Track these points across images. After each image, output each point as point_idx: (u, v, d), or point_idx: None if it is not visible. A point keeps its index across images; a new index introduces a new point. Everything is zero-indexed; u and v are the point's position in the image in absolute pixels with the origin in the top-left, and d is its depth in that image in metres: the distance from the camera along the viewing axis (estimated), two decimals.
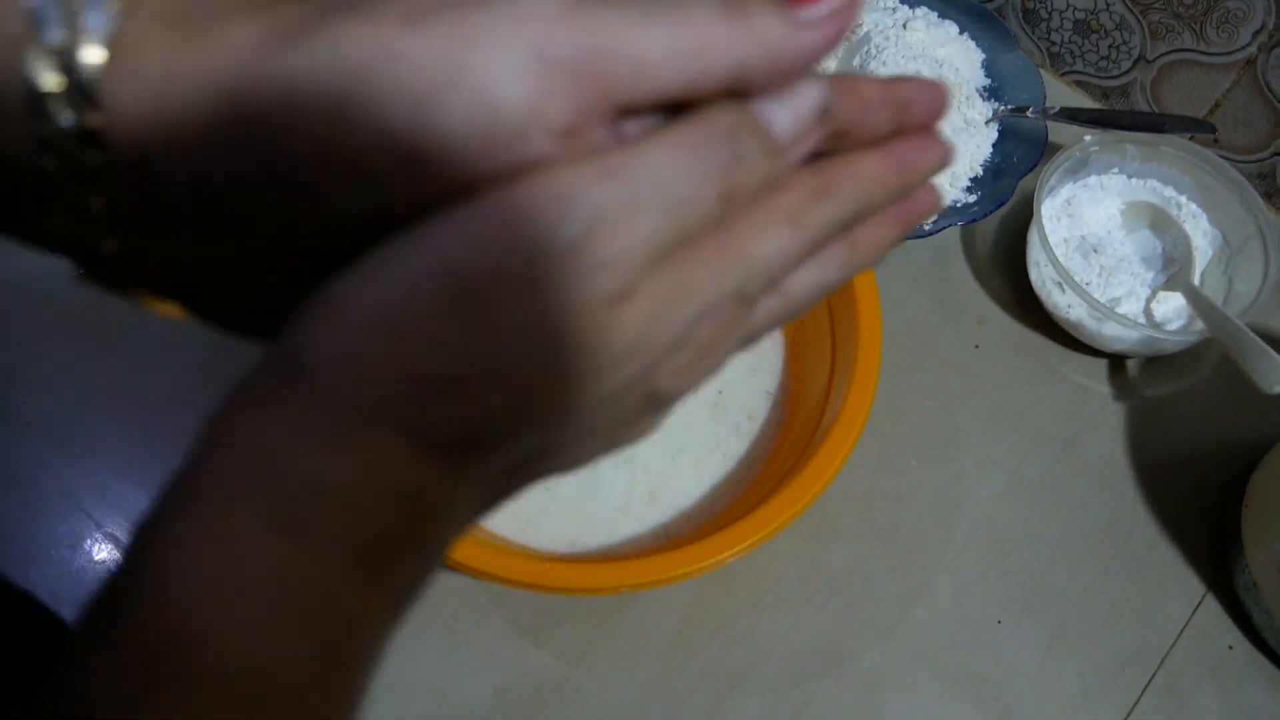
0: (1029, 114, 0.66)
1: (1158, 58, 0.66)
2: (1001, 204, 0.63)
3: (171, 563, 0.18)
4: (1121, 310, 0.61)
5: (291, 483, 0.18)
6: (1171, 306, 0.62)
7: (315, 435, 0.19)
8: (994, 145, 0.67)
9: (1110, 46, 0.68)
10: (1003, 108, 0.67)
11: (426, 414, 0.19)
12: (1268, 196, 0.68)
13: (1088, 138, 0.62)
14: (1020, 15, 0.71)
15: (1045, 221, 0.63)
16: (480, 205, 0.19)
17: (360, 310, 0.19)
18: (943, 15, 0.70)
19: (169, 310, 0.22)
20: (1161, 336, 0.58)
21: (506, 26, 0.18)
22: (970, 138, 0.66)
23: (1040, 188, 0.60)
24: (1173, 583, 0.57)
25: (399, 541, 0.20)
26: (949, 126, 0.64)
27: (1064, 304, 0.60)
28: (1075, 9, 0.68)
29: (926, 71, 0.63)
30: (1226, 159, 0.67)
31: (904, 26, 0.67)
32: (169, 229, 0.20)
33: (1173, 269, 0.63)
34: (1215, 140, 0.67)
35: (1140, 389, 0.62)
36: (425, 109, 0.18)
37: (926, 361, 0.63)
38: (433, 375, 0.19)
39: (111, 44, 0.19)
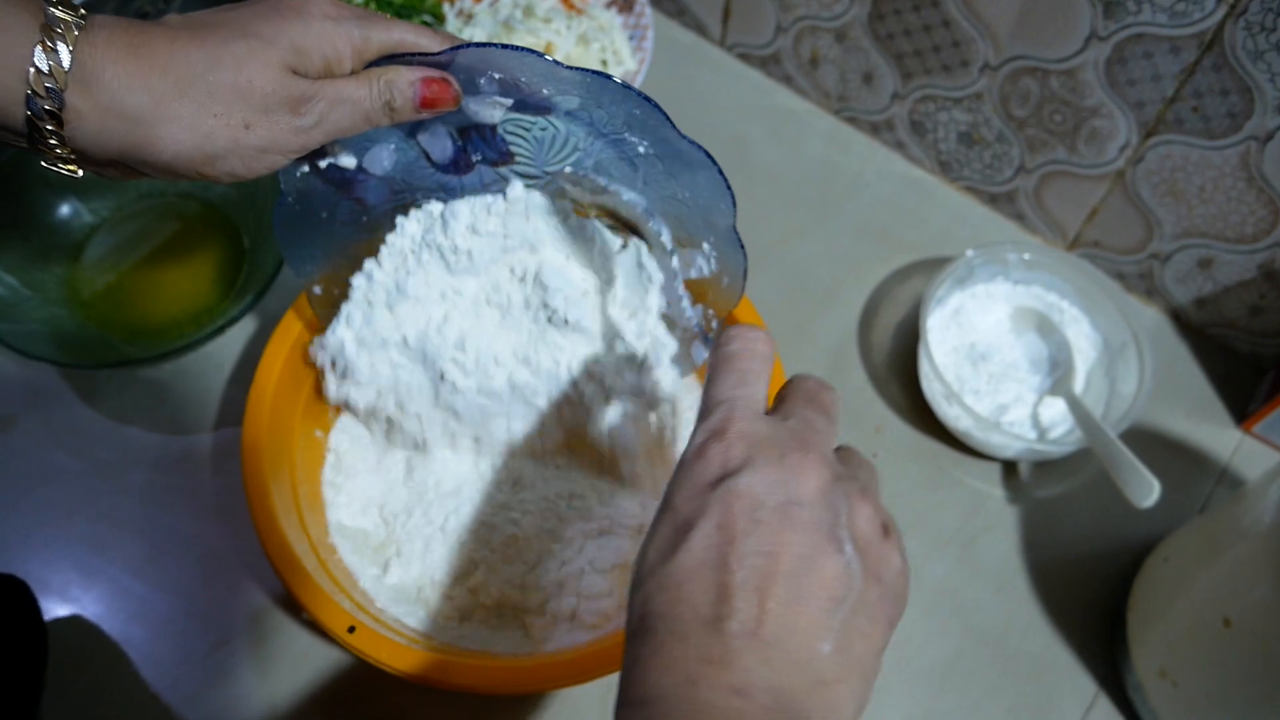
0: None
1: (1036, 168, 0.69)
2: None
3: None
4: (1009, 417, 0.63)
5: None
6: (1058, 410, 0.64)
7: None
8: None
9: (993, 156, 0.71)
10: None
11: None
12: (1148, 294, 0.71)
13: (969, 252, 0.65)
14: (909, 128, 0.74)
15: (934, 331, 0.66)
16: None
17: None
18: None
19: None
20: (1043, 448, 0.60)
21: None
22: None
23: (927, 300, 0.63)
24: (1067, 682, 0.59)
25: None
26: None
27: (953, 415, 0.62)
28: (958, 122, 0.71)
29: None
30: (1111, 261, 0.70)
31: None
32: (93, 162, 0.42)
33: (1059, 373, 0.65)
34: (1096, 243, 0.70)
35: (1032, 491, 0.65)
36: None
37: None
38: None
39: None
